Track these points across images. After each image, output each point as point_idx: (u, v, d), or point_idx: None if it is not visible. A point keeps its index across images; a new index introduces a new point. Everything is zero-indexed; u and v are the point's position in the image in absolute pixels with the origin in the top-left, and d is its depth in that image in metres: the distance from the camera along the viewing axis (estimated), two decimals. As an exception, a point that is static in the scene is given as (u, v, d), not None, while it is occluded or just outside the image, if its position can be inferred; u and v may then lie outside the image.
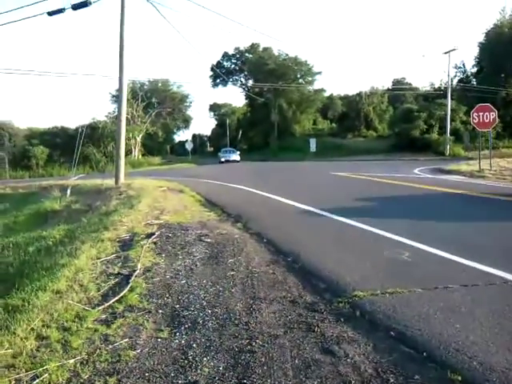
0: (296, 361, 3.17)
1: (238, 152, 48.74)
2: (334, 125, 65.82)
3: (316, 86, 63.20)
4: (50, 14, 15.17)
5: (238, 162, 44.86)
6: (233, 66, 68.98)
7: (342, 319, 3.92)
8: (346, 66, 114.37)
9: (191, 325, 3.78)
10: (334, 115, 66.46)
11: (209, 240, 6.96)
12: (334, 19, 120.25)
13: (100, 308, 4.13)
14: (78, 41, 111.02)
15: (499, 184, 16.68)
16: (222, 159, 45.57)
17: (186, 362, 3.17)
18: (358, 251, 6.30)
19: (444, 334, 3.54)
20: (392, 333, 3.62)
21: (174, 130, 74.92)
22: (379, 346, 3.43)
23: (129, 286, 4.70)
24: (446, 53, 44.30)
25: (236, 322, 3.85)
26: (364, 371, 3.05)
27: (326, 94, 65.33)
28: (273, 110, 58.75)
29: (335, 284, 4.83)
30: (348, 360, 3.20)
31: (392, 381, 2.92)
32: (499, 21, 57.09)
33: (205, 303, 4.29)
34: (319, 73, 62.05)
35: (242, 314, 4.03)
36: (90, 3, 14.90)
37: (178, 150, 71.38)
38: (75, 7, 15.01)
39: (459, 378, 2.92)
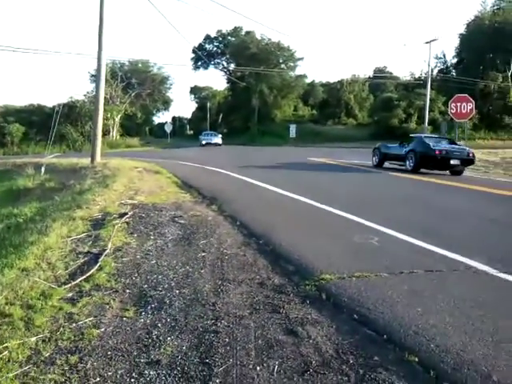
0: (259, 341, 3.21)
1: (220, 135, 47.68)
2: (314, 111, 65.88)
3: (298, 71, 63.14)
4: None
5: (219, 145, 44.01)
6: (215, 48, 68.20)
7: (308, 301, 3.97)
8: (328, 53, 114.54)
9: (158, 305, 3.79)
10: (315, 102, 66.48)
11: (182, 221, 6.94)
12: (318, 5, 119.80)
13: (66, 286, 4.10)
14: (57, 17, 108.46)
15: (470, 174, 16.94)
16: (203, 142, 44.66)
17: (149, 341, 3.18)
18: (329, 235, 6.38)
19: (405, 317, 3.62)
20: (355, 315, 3.69)
21: (154, 112, 74.15)
22: (342, 328, 3.49)
23: (97, 265, 4.68)
24: (427, 42, 44.32)
25: (203, 302, 3.87)
26: (325, 352, 3.10)
27: (308, 81, 65.33)
28: (254, 94, 58.46)
29: (304, 267, 4.88)
30: (310, 341, 3.25)
31: (351, 361, 2.98)
32: (480, 12, 57.49)
33: (173, 284, 4.30)
34: (301, 59, 61.95)
35: (209, 294, 4.05)
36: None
37: (158, 132, 70.64)
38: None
39: (416, 359, 3.00)
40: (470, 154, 16.44)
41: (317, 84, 67.28)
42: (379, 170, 17.86)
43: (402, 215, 8.11)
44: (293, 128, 51.09)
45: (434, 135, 20.44)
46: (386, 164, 18.77)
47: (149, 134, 68.37)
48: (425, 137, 18.33)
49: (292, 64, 62.15)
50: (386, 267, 4.84)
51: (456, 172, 16.42)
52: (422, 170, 16.63)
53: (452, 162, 16.00)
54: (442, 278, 4.59)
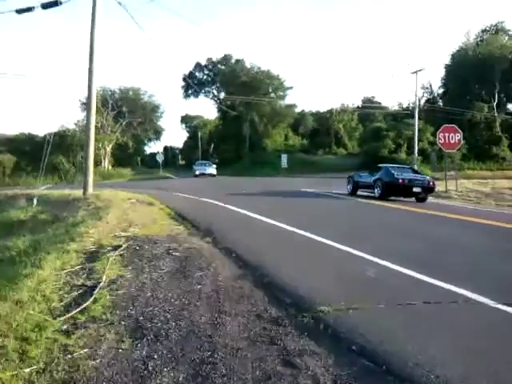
0: (257, 372, 3.21)
1: (215, 165, 46.16)
2: (305, 141, 66.48)
3: (287, 101, 64.09)
4: (19, 11, 14.75)
5: (214, 176, 42.53)
6: (205, 76, 69.12)
7: (306, 333, 3.97)
8: (318, 83, 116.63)
9: (154, 337, 3.77)
10: (305, 131, 67.15)
11: (177, 254, 6.93)
12: (307, 36, 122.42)
13: (61, 319, 4.07)
14: (47, 45, 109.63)
15: (463, 205, 17.13)
16: (197, 172, 43.25)
17: (145, 372, 3.16)
18: (325, 265, 6.40)
19: (404, 349, 3.63)
20: (353, 347, 3.69)
21: (145, 141, 74.51)
22: (340, 359, 3.49)
23: (92, 298, 4.65)
24: (413, 73, 45.20)
25: (199, 334, 3.86)
26: (323, 383, 3.10)
27: (298, 110, 66.19)
28: (245, 123, 59.02)
29: (301, 299, 4.89)
30: (308, 372, 3.25)
31: (351, 394, 2.98)
32: (464, 44, 58.91)
33: (169, 316, 4.28)
34: (291, 88, 63.02)
35: (206, 327, 4.04)
36: (61, 3, 14.65)
37: (149, 162, 70.80)
38: (45, 6, 14.72)
39: (416, 391, 3.00)
40: (431, 183, 17.92)
41: (306, 113, 68.18)
42: (355, 197, 18.76)
43: (388, 243, 8.17)
44: (284, 158, 51.42)
45: (399, 165, 21.85)
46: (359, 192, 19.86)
47: (140, 164, 68.50)
48: (390, 167, 19.49)
49: (282, 93, 63.10)
50: (383, 299, 4.86)
51: (420, 199, 17.64)
52: (401, 199, 17.68)
53: (414, 189, 17.40)
54: (439, 310, 4.62)
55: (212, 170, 44.28)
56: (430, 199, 18.47)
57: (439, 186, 23.36)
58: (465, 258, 7.35)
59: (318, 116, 66.82)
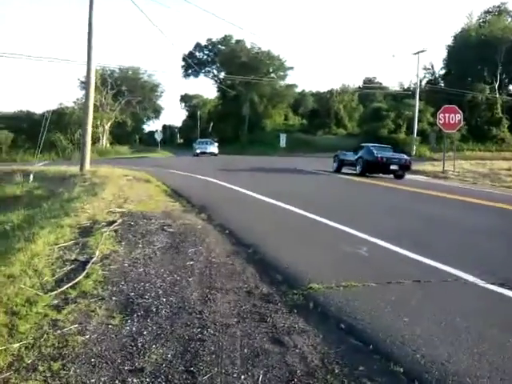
0: (245, 350, 3.21)
1: (216, 143, 43.88)
2: (304, 121, 66.17)
3: (288, 81, 63.60)
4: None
5: (215, 155, 40.45)
6: (205, 57, 68.37)
7: (295, 311, 3.97)
8: (318, 63, 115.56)
9: (144, 313, 3.77)
10: (305, 111, 66.78)
11: (171, 230, 6.93)
12: (308, 16, 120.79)
13: (52, 293, 4.07)
14: (46, 23, 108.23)
15: (460, 185, 17.15)
16: (198, 151, 41.06)
17: (134, 348, 3.16)
18: (318, 244, 6.41)
19: (392, 328, 3.63)
20: (342, 325, 3.70)
21: (144, 120, 73.94)
22: (328, 337, 3.49)
23: (84, 273, 4.65)
24: (415, 54, 44.97)
25: (190, 310, 3.86)
26: (310, 361, 3.10)
27: (298, 90, 65.73)
28: (244, 103, 58.65)
29: (292, 276, 4.89)
30: (296, 350, 3.25)
31: (337, 371, 2.99)
32: (467, 25, 58.37)
33: (160, 292, 4.28)
34: (291, 68, 62.43)
35: (196, 303, 4.04)
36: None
37: (148, 140, 70.37)
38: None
39: (401, 370, 3.01)
40: (407, 161, 19.47)
41: (307, 93, 67.71)
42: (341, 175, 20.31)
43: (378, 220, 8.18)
44: (283, 137, 51.24)
45: (380, 145, 22.64)
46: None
47: (139, 142, 68.22)
48: (371, 146, 20.64)
49: (282, 73, 62.57)
50: (374, 276, 4.87)
51: (398, 176, 19.13)
52: (380, 175, 19.14)
53: (392, 167, 18.95)
54: (429, 289, 4.63)
55: (214, 148, 42.06)
56: (424, 178, 18.69)
57: (437, 167, 23.34)
58: (448, 234, 7.37)
59: (318, 96, 66.31)
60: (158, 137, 55.72)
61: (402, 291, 4.51)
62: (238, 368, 2.95)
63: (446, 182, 19.01)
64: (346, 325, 3.69)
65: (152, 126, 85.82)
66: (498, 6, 58.53)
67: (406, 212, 10.13)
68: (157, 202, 9.81)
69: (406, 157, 20.08)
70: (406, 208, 10.87)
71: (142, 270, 4.96)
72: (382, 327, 3.63)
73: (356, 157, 20.06)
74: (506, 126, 50.92)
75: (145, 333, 3.41)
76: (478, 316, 3.95)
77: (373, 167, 19.29)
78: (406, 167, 19.32)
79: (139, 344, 3.23)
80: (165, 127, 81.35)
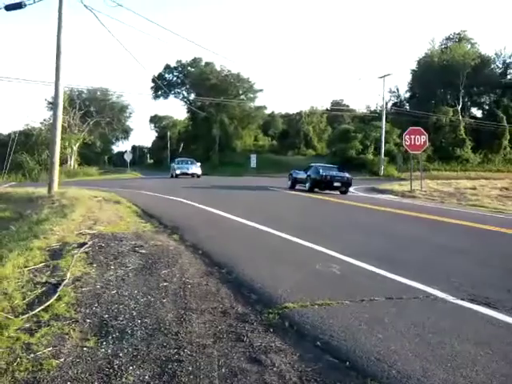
0: (223, 369, 3.20)
1: (199, 163, 38.44)
2: (274, 142, 66.87)
3: (257, 103, 64.23)
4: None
5: (198, 176, 35.65)
6: (175, 78, 68.63)
7: (271, 330, 3.99)
8: (287, 85, 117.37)
9: (119, 334, 3.72)
10: (275, 132, 67.58)
11: (143, 251, 6.86)
12: (277, 39, 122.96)
13: (24, 317, 3.97)
14: (13, 45, 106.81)
15: (427, 204, 17.55)
16: (177, 171, 35.81)
17: (111, 370, 3.11)
18: (291, 263, 6.45)
19: (367, 344, 3.69)
20: (318, 343, 3.73)
21: (113, 141, 73.47)
22: (305, 355, 3.51)
23: (56, 295, 4.55)
24: (381, 77, 46.34)
25: (165, 331, 3.83)
26: (289, 379, 3.12)
27: (267, 112, 66.49)
28: (214, 124, 58.91)
29: (267, 296, 4.91)
30: (274, 369, 3.26)
31: (315, 389, 3.01)
32: (429, 50, 60.71)
33: (135, 313, 4.23)
34: (261, 90, 63.22)
35: (172, 324, 4.01)
36: (25, 5, 14.35)
37: (117, 161, 69.84)
38: (8, 8, 14.43)
39: (378, 386, 3.05)
40: (348, 179, 21.94)
41: (276, 115, 68.61)
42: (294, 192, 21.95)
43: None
44: (253, 158, 51.59)
45: (327, 165, 26.34)
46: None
47: (108, 163, 67.47)
48: (319, 165, 23.43)
49: (252, 95, 63.26)
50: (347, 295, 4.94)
51: (342, 191, 21.74)
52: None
53: (335, 183, 21.47)
54: (401, 306, 4.72)
55: (196, 169, 36.87)
56: (393, 197, 19.23)
57: (405, 187, 23.82)
58: (417, 252, 7.53)
59: (287, 118, 67.39)
60: (128, 157, 55.28)
61: (375, 308, 4.58)
62: (217, 388, 2.94)
63: (414, 201, 19.41)
64: (322, 342, 3.72)
65: (121, 146, 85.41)
66: (459, 33, 61.20)
67: (376, 231, 10.30)
68: (127, 223, 9.70)
69: (347, 175, 22.31)
70: (376, 227, 11.05)
71: (115, 291, 4.89)
72: (358, 344, 3.68)
73: (306, 175, 22.54)
74: (470, 146, 52.65)
75: (121, 354, 3.36)
76: (450, 331, 4.03)
77: (319, 184, 21.63)
78: (347, 184, 21.86)
79: (115, 366, 3.18)
80: (134, 148, 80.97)
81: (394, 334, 3.93)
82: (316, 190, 21.81)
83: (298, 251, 7.42)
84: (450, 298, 4.97)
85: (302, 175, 23.27)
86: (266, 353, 3.52)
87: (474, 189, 24.82)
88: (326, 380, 3.13)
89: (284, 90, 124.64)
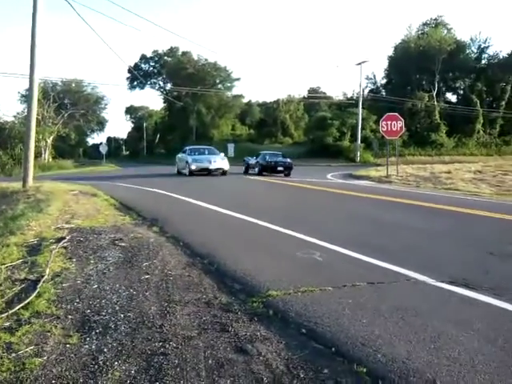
0: (209, 361, 3.19)
1: (223, 154, 26.89)
2: (252, 131, 66.75)
3: (235, 91, 64.03)
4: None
5: (224, 173, 24.19)
6: (151, 68, 67.92)
7: (256, 319, 3.99)
8: (264, 74, 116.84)
9: (102, 330, 3.67)
10: (252, 121, 67.45)
11: (123, 244, 6.78)
12: (254, 27, 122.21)
13: (3, 315, 3.89)
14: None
15: (403, 188, 17.77)
16: (193, 166, 23.53)
17: (96, 367, 3.07)
18: (271, 251, 6.47)
19: (351, 330, 3.72)
20: (303, 330, 3.74)
21: (88, 133, 72.35)
22: (291, 343, 3.52)
23: (36, 292, 4.47)
24: (358, 64, 46.56)
25: (149, 325, 3.79)
26: (276, 368, 3.12)
27: (245, 101, 66.32)
28: (191, 114, 58.51)
29: (250, 284, 4.91)
30: (260, 358, 3.26)
31: (302, 376, 3.02)
32: (406, 36, 61.21)
33: (117, 307, 4.18)
34: (238, 79, 63.03)
35: (155, 317, 3.97)
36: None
37: (92, 154, 68.91)
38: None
39: (364, 370, 3.07)
40: (290, 164, 25.66)
41: (254, 104, 68.48)
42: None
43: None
44: (231, 147, 51.40)
45: (274, 151, 29.39)
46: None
47: (83, 156, 66.51)
48: (265, 153, 27.35)
49: (229, 84, 63.04)
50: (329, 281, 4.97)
51: (286, 174, 25.07)
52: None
53: (278, 168, 25.19)
54: (383, 290, 4.77)
55: (221, 162, 24.56)
56: (370, 183, 19.39)
57: (381, 172, 24.09)
58: (397, 236, 7.62)
59: (264, 106, 67.30)
60: (103, 149, 54.53)
61: (357, 294, 4.61)
62: (204, 379, 2.93)
63: (390, 186, 19.62)
64: (307, 329, 3.74)
65: (96, 138, 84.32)
66: (435, 19, 61.78)
67: (354, 216, 10.38)
68: (106, 216, 9.57)
69: (289, 160, 26.12)
70: (354, 212, 11.14)
71: (96, 286, 4.82)
72: (342, 329, 3.71)
73: (255, 161, 26.27)
74: (444, 131, 53.43)
75: (105, 350, 3.31)
76: (432, 313, 4.09)
77: (265, 168, 25.20)
78: (289, 168, 25.29)
79: (100, 362, 3.13)
80: (110, 139, 80.00)
81: (378, 318, 3.96)
82: (265, 173, 25.04)
83: (277, 238, 7.44)
84: (430, 281, 5.04)
85: (252, 161, 26.81)
86: (252, 342, 3.52)
87: (449, 173, 25.23)
88: (312, 367, 3.14)
89: (261, 78, 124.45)
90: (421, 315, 4.04)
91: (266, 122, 64.41)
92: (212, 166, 23.75)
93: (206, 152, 26.24)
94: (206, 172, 23.50)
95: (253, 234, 7.91)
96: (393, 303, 4.34)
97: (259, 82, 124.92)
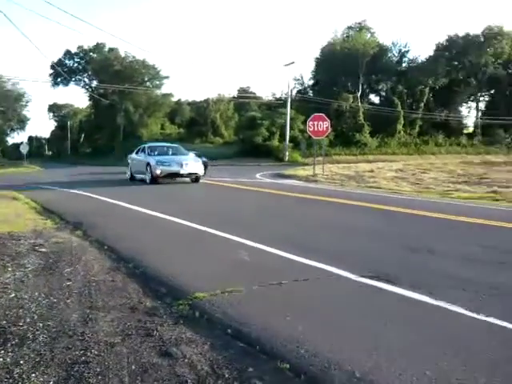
0: (133, 366, 3.14)
1: (193, 154, 21.79)
2: (182, 130, 66.08)
3: (164, 90, 63.01)
4: None
5: (196, 180, 19.52)
6: (76, 64, 65.33)
7: (182, 321, 3.97)
8: (194, 73, 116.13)
9: (19, 341, 3.51)
10: (183, 120, 66.80)
11: (44, 250, 6.50)
12: (184, 26, 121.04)
13: None
14: None
15: (329, 187, 18.34)
16: (158, 171, 18.50)
17: (10, 380, 2.93)
18: (199, 252, 6.48)
19: (276, 327, 3.79)
20: (229, 330, 3.78)
21: (8, 132, 68.52)
22: (216, 344, 3.54)
23: None
24: (286, 65, 47.35)
25: (70, 333, 3.67)
26: (200, 369, 3.13)
27: (175, 99, 65.50)
28: (119, 112, 56.98)
29: (176, 287, 4.87)
30: (185, 360, 3.26)
31: (226, 375, 3.05)
32: (332, 39, 63.28)
33: (36, 317, 4.01)
34: (167, 77, 62.18)
35: (77, 324, 3.85)
36: None
37: (12, 154, 65.34)
38: None
39: (287, 366, 3.15)
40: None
41: (183, 103, 67.81)
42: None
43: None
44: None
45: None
46: None
47: (2, 156, 62.97)
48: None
49: (158, 82, 62.03)
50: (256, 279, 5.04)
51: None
52: None
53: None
54: (307, 286, 4.90)
55: (195, 165, 19.38)
56: (297, 182, 19.92)
57: (308, 171, 24.70)
58: (320, 234, 7.87)
59: (195, 105, 66.79)
60: (24, 150, 51.81)
61: (282, 291, 4.72)
62: (127, 386, 2.89)
63: (316, 185, 20.15)
64: (233, 329, 3.77)
65: (17, 138, 79.93)
66: (359, 23, 64.18)
67: (280, 215, 10.57)
68: (26, 220, 9.15)
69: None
70: (281, 211, 11.35)
71: (13, 295, 4.59)
72: (268, 327, 3.77)
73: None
74: (368, 131, 55.62)
75: (21, 362, 3.17)
76: (353, 307, 4.27)
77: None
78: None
79: (16, 375, 2.99)
80: (31, 139, 76.28)
81: (301, 314, 4.08)
82: None
83: (205, 239, 7.45)
84: (353, 276, 5.22)
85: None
86: (177, 345, 3.50)
87: (372, 171, 26.36)
88: (237, 366, 3.17)
89: (191, 77, 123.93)
90: (343, 310, 4.21)
91: (196, 121, 64.03)
92: (184, 171, 18.67)
93: (171, 151, 21.04)
94: (174, 178, 19.02)
95: (182, 237, 7.86)
96: (317, 299, 4.49)
97: (189, 80, 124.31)
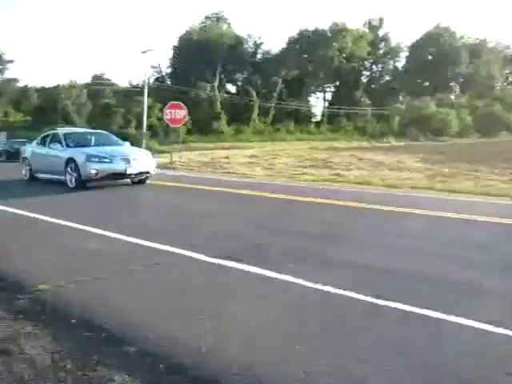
0: (-40, 370, 2.88)
1: (127, 143, 15.26)
2: (28, 117, 61.13)
3: (7, 75, 57.74)
4: None
5: (143, 181, 13.55)
6: None
7: (22, 316, 3.73)
8: (44, 57, 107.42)
9: None
10: (29, 107, 61.89)
11: None
12: (33, 7, 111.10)
13: None
14: None
15: (186, 173, 18.49)
16: (93, 170, 12.04)
17: None
18: (50, 245, 6.19)
19: (121, 312, 3.79)
20: (73, 320, 3.64)
21: None
22: (59, 335, 3.39)
23: None
24: (143, 52, 45.96)
25: None
26: (40, 364, 2.97)
27: (20, 85, 60.36)
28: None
29: (18, 281, 4.56)
30: (24, 356, 3.07)
31: (69, 366, 2.93)
32: (190, 28, 63.33)
33: None
34: (11, 61, 56.88)
35: None
36: None
37: None
38: None
39: (133, 349, 3.14)
40: None
41: (31, 89, 62.76)
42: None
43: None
44: (2, 136, 46.29)
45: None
46: None
47: None
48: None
49: (0, 67, 56.50)
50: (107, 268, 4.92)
51: None
52: None
53: None
54: (158, 270, 4.92)
55: (145, 161, 13.29)
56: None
57: (165, 159, 24.60)
58: (174, 219, 7.95)
59: (43, 92, 62.11)
60: None
61: (131, 277, 4.72)
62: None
63: (174, 172, 20.11)
64: (77, 319, 3.64)
65: None
66: (217, 13, 65.07)
67: (138, 201, 10.41)
68: None
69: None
70: (135, 199, 11.17)
71: None
72: (114, 314, 3.73)
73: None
74: (225, 120, 56.86)
75: None
76: (204, 287, 4.40)
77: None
78: None
79: None
80: None
81: (150, 298, 4.12)
82: None
83: (60, 233, 7.05)
84: (205, 258, 5.33)
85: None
86: (15, 341, 3.29)
87: (227, 158, 27.13)
88: (81, 355, 3.08)
89: (40, 61, 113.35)
90: (193, 291, 4.30)
91: (44, 108, 59.56)
92: (131, 170, 12.60)
93: (101, 141, 14.37)
94: (116, 179, 12.94)
95: (35, 231, 7.34)
96: (168, 282, 4.55)
97: (37, 65, 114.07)
